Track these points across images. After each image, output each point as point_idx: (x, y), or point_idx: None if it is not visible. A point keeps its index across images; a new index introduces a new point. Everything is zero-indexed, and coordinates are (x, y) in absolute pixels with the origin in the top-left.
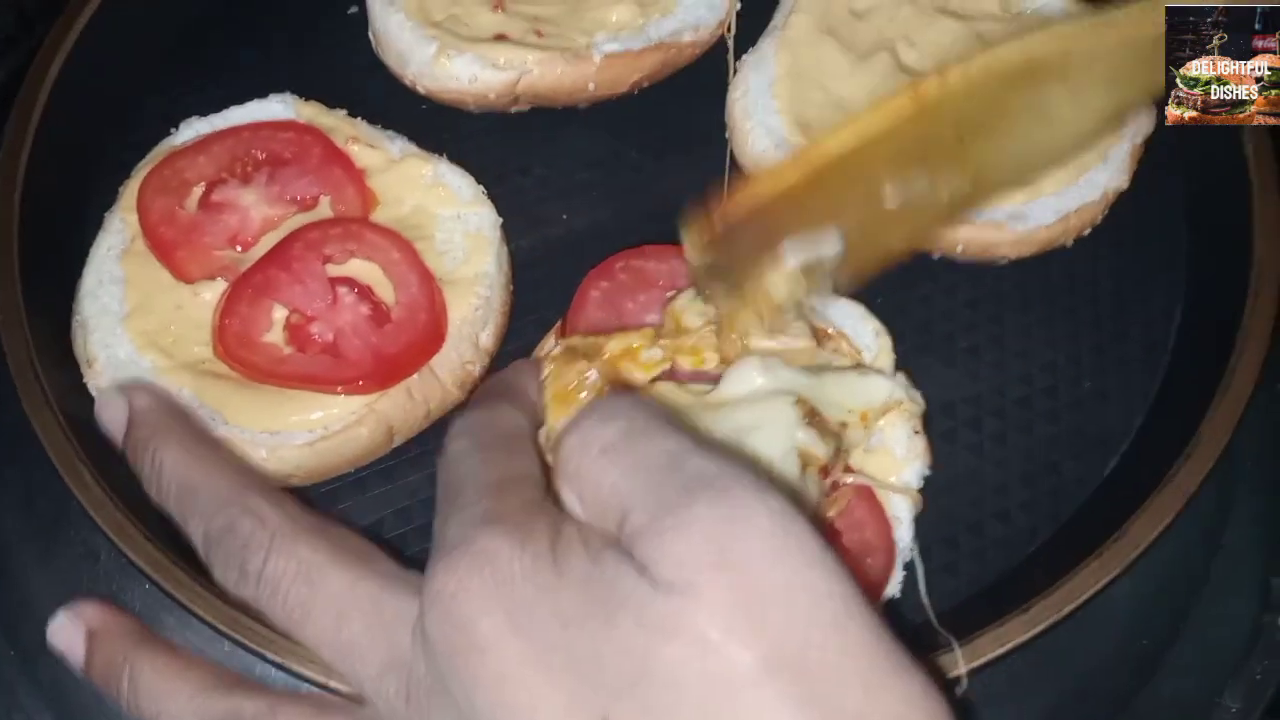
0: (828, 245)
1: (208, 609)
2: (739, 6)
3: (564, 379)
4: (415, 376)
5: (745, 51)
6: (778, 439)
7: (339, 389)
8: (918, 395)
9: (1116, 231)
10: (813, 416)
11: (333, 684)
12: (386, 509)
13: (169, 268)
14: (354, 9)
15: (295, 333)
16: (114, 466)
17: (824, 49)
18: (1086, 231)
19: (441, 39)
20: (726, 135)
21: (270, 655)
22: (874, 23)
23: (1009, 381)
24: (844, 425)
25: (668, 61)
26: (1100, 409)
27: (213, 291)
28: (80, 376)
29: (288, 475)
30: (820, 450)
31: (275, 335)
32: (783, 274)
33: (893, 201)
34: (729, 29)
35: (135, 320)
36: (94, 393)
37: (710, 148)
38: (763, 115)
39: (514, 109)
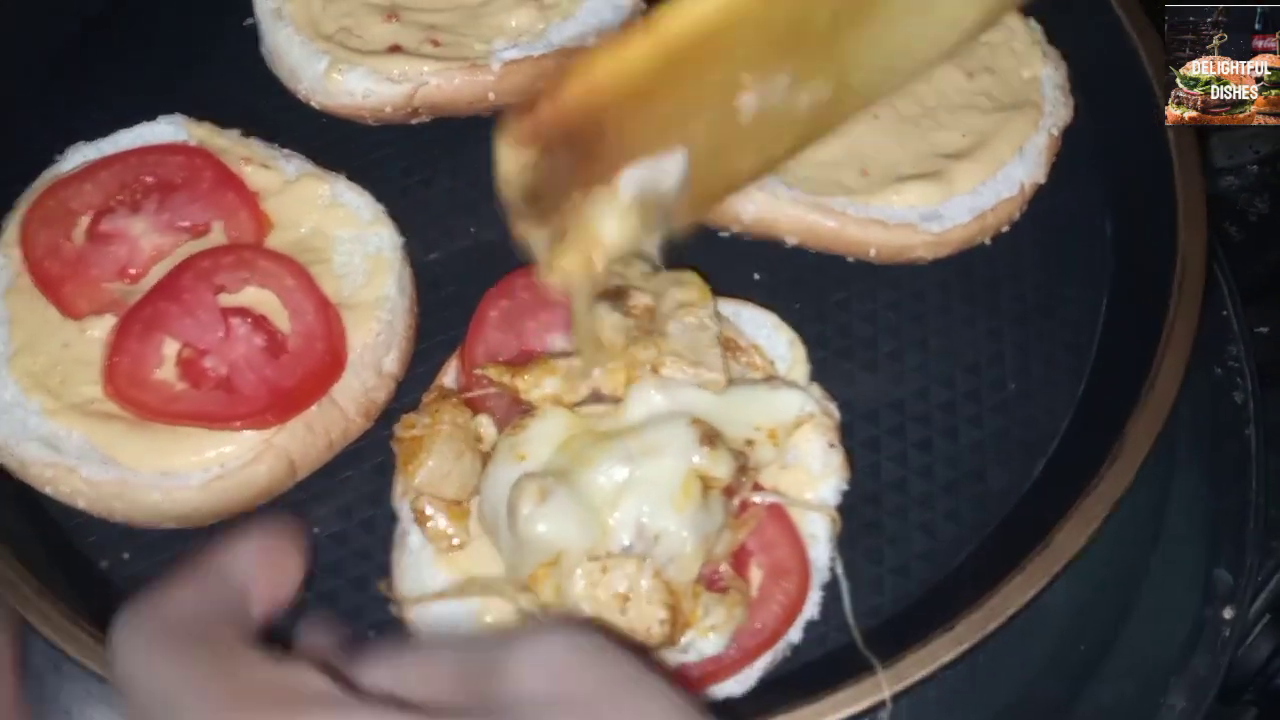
0: (670, 172)
1: (103, 664)
2: (644, 6)
3: (438, 423)
4: (315, 408)
5: None
6: (673, 464)
7: (235, 425)
8: (832, 407)
9: (1037, 227)
10: (711, 437)
11: None
12: None
13: (55, 304)
14: (250, 20)
15: (188, 368)
16: (2, 517)
17: None
18: (1006, 228)
19: (333, 53)
20: None
21: None
22: None
23: (932, 386)
24: (750, 443)
25: None
26: (1026, 411)
27: (102, 328)
28: None
29: (185, 517)
30: (721, 471)
31: (167, 371)
32: (614, 206)
33: (750, 107)
34: None
35: (21, 360)
36: None
37: None
38: None
39: (414, 121)
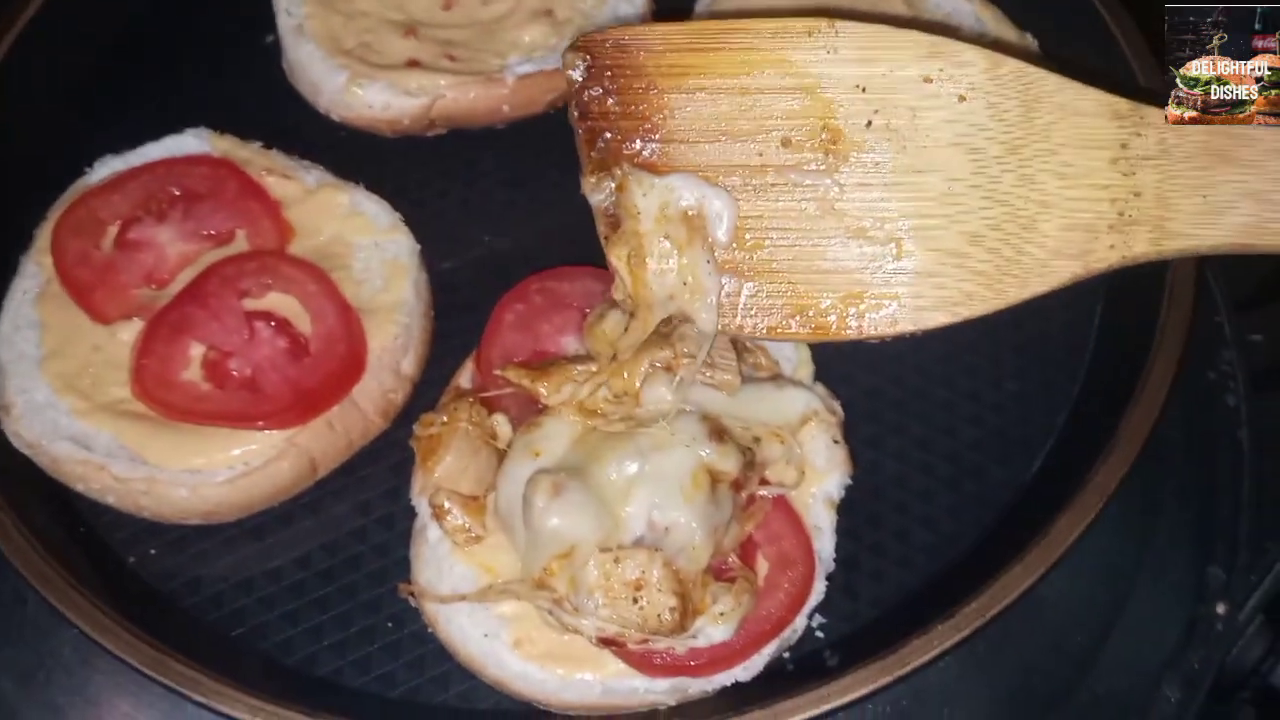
0: (717, 206)
1: (134, 653)
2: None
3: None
4: (336, 408)
5: None
6: (684, 457)
7: (259, 424)
8: (836, 405)
9: None
10: (720, 433)
11: None
12: (313, 543)
13: (85, 309)
14: (270, 37)
15: (213, 369)
16: (35, 514)
17: None
18: None
19: (352, 67)
20: None
21: (196, 696)
22: None
23: (932, 385)
24: (757, 440)
25: None
26: (1023, 410)
27: (130, 332)
28: None
29: (210, 513)
30: (729, 466)
31: (193, 373)
32: (656, 193)
33: (777, 161)
34: None
35: (53, 364)
36: (11, 439)
37: None
38: None
39: (431, 133)
